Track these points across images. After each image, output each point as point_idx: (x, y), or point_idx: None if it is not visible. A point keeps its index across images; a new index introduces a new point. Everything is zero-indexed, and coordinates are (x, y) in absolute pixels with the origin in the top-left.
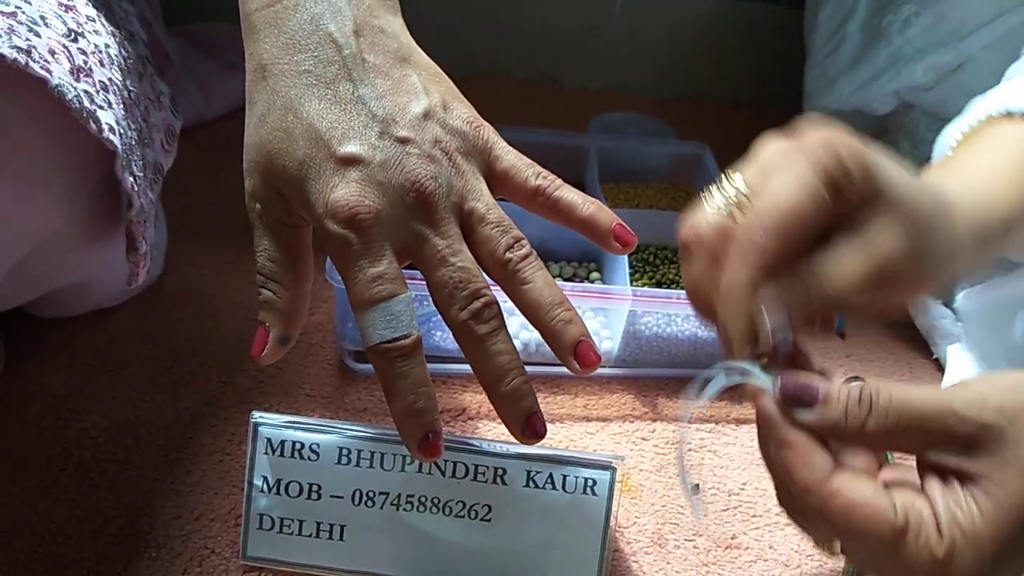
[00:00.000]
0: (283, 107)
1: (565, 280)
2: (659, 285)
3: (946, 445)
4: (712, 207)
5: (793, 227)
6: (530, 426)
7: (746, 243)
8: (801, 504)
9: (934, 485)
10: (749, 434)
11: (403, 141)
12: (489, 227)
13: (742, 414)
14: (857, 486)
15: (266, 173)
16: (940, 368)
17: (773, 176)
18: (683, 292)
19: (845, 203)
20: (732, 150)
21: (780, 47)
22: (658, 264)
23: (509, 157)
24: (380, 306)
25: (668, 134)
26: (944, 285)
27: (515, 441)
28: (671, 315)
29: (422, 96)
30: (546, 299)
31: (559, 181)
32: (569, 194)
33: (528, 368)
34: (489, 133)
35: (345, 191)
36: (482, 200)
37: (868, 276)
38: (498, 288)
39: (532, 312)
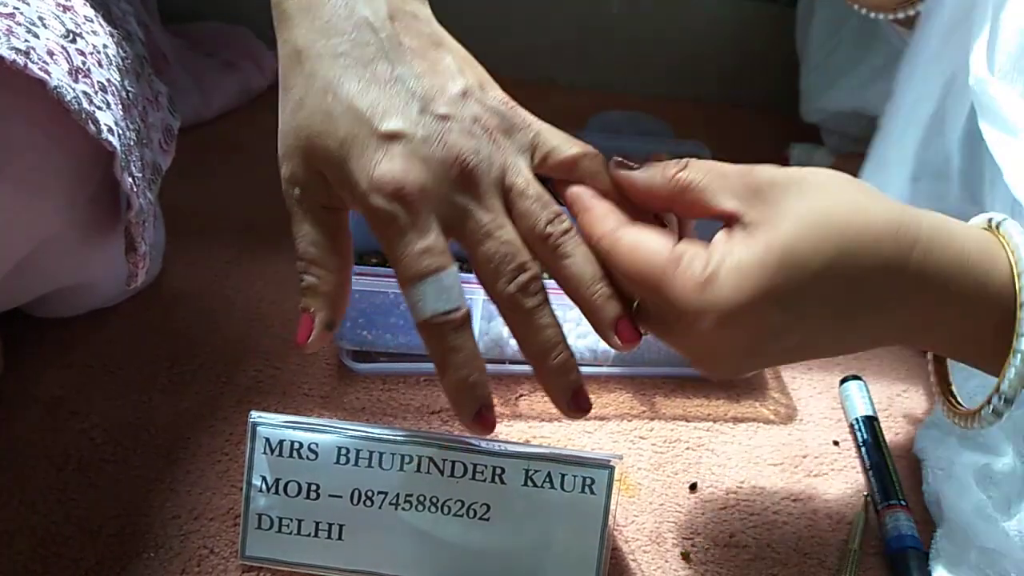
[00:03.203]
0: (322, 89)
1: None
2: None
3: (732, 195)
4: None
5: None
6: (576, 400)
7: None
8: (598, 258)
9: (719, 236)
10: (747, 432)
11: (443, 118)
12: (529, 201)
13: (740, 412)
14: (642, 231)
15: (306, 156)
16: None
17: None
18: None
19: None
20: (730, 149)
21: (779, 47)
22: None
23: (550, 137)
24: (430, 279)
25: (666, 133)
26: None
27: (513, 441)
28: None
29: (458, 77)
30: (588, 274)
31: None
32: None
33: (521, 368)
34: (525, 114)
35: (390, 166)
36: (522, 175)
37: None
38: None
39: (572, 287)
